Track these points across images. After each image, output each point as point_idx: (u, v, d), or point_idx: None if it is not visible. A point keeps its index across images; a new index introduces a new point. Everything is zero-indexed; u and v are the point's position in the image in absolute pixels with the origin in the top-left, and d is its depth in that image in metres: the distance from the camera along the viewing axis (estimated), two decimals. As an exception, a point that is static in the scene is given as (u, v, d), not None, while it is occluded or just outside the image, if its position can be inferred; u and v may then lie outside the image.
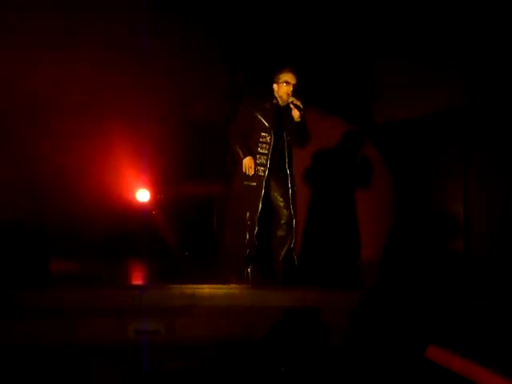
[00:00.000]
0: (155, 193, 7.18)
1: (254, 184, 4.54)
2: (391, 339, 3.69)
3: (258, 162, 4.54)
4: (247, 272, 4.63)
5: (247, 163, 4.50)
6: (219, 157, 6.42)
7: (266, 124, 4.55)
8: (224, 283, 4.42)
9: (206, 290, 4.15)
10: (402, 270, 5.59)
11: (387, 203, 6.57)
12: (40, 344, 3.55)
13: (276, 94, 4.64)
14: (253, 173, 4.50)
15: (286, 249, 4.63)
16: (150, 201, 7.13)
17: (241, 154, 4.54)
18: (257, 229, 4.57)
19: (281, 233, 4.63)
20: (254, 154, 4.55)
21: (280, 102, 4.62)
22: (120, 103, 6.39)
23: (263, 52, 6.54)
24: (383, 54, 6.74)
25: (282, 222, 4.61)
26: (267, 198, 4.61)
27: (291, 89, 4.55)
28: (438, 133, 6.48)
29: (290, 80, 4.56)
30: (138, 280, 5.26)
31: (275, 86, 4.63)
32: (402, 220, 6.53)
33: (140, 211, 6.99)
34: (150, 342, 3.57)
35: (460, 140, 6.30)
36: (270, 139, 4.55)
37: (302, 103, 4.53)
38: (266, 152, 4.55)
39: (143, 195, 7.08)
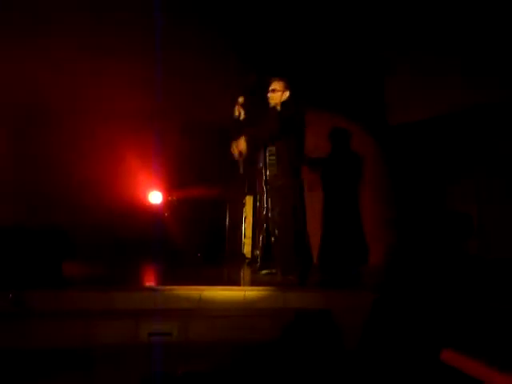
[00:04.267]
0: (167, 195, 7.21)
1: None
2: (406, 342, 3.67)
3: None
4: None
5: None
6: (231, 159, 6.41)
7: None
8: (235, 285, 4.46)
9: (218, 292, 4.16)
10: (416, 272, 5.56)
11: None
12: (55, 346, 3.57)
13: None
14: None
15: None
16: (162, 203, 7.17)
17: None
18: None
19: None
20: None
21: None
22: (133, 105, 6.43)
23: (277, 52, 6.53)
24: (396, 54, 6.73)
25: None
26: None
27: (277, 95, 4.87)
28: (452, 133, 6.46)
29: (275, 87, 4.88)
30: (150, 282, 5.27)
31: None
32: (414, 221, 6.50)
33: (152, 213, 7.03)
34: (163, 345, 3.59)
35: (474, 139, 6.27)
36: None
37: (289, 109, 4.80)
38: None
39: (155, 197, 7.12)
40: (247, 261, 6.33)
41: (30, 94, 6.08)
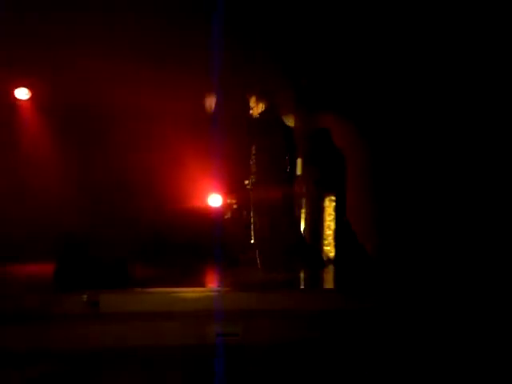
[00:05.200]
0: (227, 198, 7.32)
1: None
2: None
3: None
4: None
5: None
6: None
7: None
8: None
9: (280, 294, 4.24)
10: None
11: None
12: (124, 346, 3.73)
13: None
14: None
15: None
16: (222, 205, 7.28)
17: None
18: None
19: None
20: None
21: None
22: (193, 110, 6.60)
23: (326, 56, 6.52)
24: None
25: None
26: None
27: (254, 110, 5.45)
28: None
29: (251, 104, 5.49)
30: (213, 283, 5.40)
31: None
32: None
33: (212, 216, 7.15)
34: (229, 345, 3.68)
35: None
36: None
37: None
38: None
39: (215, 200, 7.26)
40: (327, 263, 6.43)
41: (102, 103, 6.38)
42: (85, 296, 3.84)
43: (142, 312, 3.92)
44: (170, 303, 4.03)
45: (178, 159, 6.95)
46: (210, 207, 7.24)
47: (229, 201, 7.30)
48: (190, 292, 4.32)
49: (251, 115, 5.50)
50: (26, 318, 3.73)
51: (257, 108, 5.47)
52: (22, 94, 6.82)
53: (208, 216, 7.14)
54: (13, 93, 6.81)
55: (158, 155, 6.94)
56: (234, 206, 7.35)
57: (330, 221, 6.58)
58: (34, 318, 3.77)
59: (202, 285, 5.25)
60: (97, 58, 5.91)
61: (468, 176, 5.66)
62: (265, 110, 5.47)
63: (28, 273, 5.56)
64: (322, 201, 6.58)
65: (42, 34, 5.75)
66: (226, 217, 7.28)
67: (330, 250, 6.51)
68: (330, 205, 6.59)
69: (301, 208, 6.39)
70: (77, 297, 3.93)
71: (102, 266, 4.26)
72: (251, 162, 5.45)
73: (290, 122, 6.23)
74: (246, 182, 5.64)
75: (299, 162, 6.40)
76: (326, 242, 6.54)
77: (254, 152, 5.42)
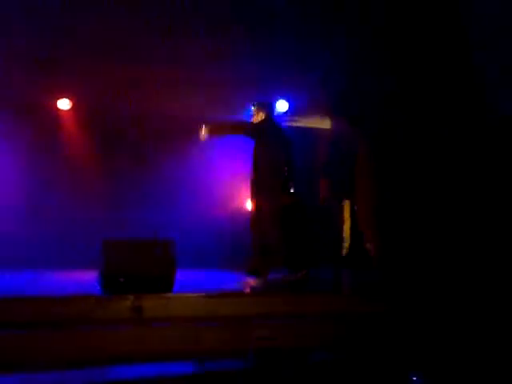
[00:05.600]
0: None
1: None
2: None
3: None
4: None
5: None
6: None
7: None
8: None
9: (317, 297, 4.29)
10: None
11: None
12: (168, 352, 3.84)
13: None
14: None
15: None
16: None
17: None
18: None
19: None
20: None
21: None
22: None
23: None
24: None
25: None
26: None
27: (254, 118, 5.78)
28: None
29: (252, 112, 5.84)
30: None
31: None
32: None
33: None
34: (269, 348, 3.76)
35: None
36: None
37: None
38: None
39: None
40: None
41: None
42: (129, 301, 3.95)
43: (184, 316, 4.02)
44: (209, 307, 4.12)
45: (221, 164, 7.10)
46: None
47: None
48: (227, 296, 4.42)
49: (252, 123, 5.82)
50: (72, 322, 3.88)
51: (257, 117, 5.79)
52: (63, 104, 7.04)
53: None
54: (55, 103, 7.04)
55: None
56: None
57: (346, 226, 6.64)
58: (81, 321, 3.92)
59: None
60: (138, 68, 6.11)
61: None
62: (264, 119, 5.77)
63: (72, 278, 5.78)
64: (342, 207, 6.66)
65: (85, 47, 6.02)
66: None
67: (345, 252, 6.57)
68: (346, 209, 6.64)
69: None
70: (121, 301, 4.06)
71: (148, 270, 4.35)
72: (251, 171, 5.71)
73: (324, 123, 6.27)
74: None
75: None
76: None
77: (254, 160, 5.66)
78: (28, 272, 5.89)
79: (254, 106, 5.91)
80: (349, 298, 4.52)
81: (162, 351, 3.76)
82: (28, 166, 6.78)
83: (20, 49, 5.84)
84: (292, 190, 5.79)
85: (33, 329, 3.65)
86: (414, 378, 3.64)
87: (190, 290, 4.73)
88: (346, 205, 6.57)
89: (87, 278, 5.46)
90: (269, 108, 5.92)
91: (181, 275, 4.51)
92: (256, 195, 5.75)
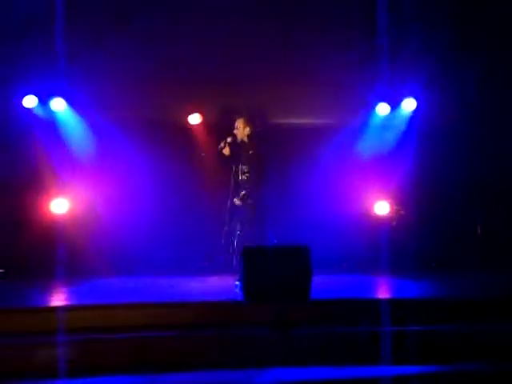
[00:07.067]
0: (397, 207, 7.27)
1: None
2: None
3: None
4: None
5: None
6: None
7: None
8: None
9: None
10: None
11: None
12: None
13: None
14: None
15: None
16: (389, 214, 7.25)
17: None
18: None
19: None
20: None
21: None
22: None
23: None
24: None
25: None
26: None
27: (239, 131, 6.01)
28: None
29: (237, 125, 6.04)
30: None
31: None
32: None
33: (378, 224, 7.13)
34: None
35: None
36: None
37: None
38: None
39: (382, 207, 7.24)
40: None
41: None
42: (271, 308, 4.07)
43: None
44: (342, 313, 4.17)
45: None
46: (376, 215, 7.25)
47: (396, 207, 7.25)
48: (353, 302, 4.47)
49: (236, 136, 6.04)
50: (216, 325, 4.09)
51: (243, 130, 6.01)
52: (194, 119, 7.35)
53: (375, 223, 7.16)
54: (186, 119, 7.38)
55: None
56: (401, 213, 7.28)
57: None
58: (224, 325, 4.11)
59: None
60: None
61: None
62: (251, 133, 6.04)
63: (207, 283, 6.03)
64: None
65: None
66: (392, 224, 7.24)
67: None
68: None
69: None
70: (263, 308, 4.19)
71: (286, 277, 4.42)
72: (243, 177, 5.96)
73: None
74: None
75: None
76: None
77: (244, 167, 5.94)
78: (164, 277, 6.24)
79: (239, 119, 6.08)
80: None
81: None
82: (162, 175, 7.09)
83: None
84: None
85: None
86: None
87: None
88: None
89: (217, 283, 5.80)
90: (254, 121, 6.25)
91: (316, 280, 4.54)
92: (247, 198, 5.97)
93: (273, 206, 6.13)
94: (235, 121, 6.11)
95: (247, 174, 5.93)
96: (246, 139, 6.05)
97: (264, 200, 5.98)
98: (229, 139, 6.04)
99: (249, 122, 6.12)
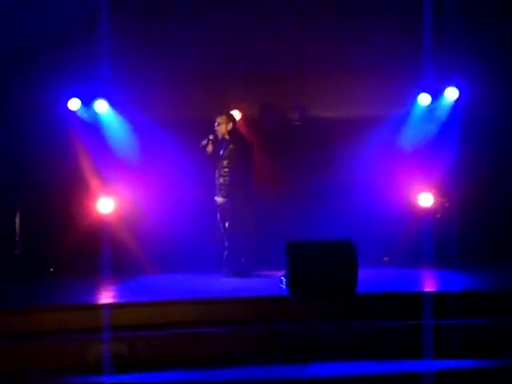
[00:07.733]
0: (441, 198, 7.17)
1: None
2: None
3: None
4: None
5: None
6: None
7: None
8: None
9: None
10: None
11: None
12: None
13: None
14: None
15: None
16: (433, 206, 7.14)
17: None
18: None
19: None
20: None
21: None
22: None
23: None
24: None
25: None
26: None
27: (222, 127, 6.10)
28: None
29: (219, 121, 6.12)
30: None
31: None
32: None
33: (422, 216, 7.03)
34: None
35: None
36: None
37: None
38: None
39: (426, 199, 7.13)
40: None
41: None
42: (316, 301, 4.08)
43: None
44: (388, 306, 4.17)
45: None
46: (421, 207, 7.15)
47: (440, 199, 7.13)
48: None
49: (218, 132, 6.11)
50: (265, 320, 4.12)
51: (226, 126, 6.07)
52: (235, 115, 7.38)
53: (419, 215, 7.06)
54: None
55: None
56: (446, 205, 7.16)
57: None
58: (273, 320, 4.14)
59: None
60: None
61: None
62: (232, 129, 6.11)
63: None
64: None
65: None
66: (437, 216, 7.12)
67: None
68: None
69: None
70: (306, 302, 4.20)
71: (331, 272, 4.42)
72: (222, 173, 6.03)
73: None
74: None
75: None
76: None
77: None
78: (209, 274, 6.26)
79: (221, 116, 6.14)
80: None
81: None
82: (205, 174, 7.13)
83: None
84: None
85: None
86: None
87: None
88: None
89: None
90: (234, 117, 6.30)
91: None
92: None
93: (271, 202, 6.26)
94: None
95: (226, 169, 6.00)
96: (226, 136, 6.12)
97: (251, 196, 6.09)
98: (211, 136, 6.12)
99: (229, 118, 6.20)
